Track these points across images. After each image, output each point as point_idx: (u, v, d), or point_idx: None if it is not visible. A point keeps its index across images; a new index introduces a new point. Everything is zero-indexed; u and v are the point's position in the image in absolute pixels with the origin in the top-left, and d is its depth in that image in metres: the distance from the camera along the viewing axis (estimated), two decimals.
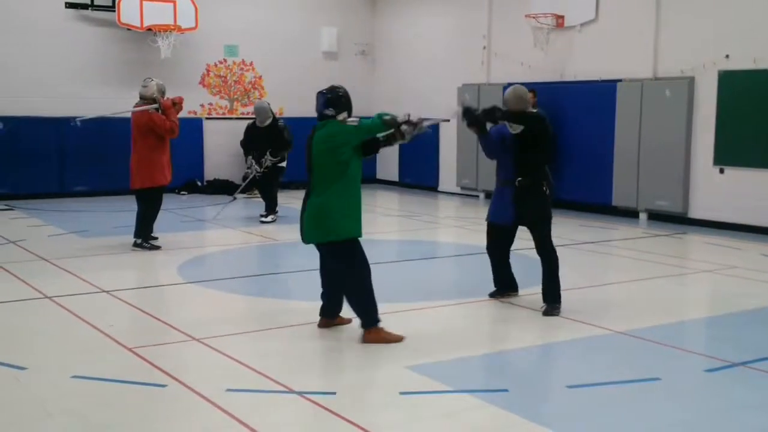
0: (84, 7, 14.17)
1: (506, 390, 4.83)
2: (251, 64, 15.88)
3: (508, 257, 6.96)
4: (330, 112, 5.67)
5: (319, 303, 6.07)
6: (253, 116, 12.15)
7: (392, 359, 5.36)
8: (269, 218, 11.59)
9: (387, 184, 17.00)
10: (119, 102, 14.45)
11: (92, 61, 14.43)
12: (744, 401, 4.73)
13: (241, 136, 12.52)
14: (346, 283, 5.73)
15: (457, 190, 15.40)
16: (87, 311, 6.50)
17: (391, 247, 10.47)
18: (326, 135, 5.62)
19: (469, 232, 11.37)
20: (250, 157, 11.80)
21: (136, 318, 6.40)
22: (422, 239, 10.86)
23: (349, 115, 5.75)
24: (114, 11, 14.00)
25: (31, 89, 13.89)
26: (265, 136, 11.68)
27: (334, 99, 5.70)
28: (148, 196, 9.26)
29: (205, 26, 14.77)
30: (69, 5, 14.05)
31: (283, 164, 11.88)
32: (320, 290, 6.04)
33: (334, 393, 4.70)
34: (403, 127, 5.65)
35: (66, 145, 14.18)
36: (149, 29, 14.15)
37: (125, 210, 12.63)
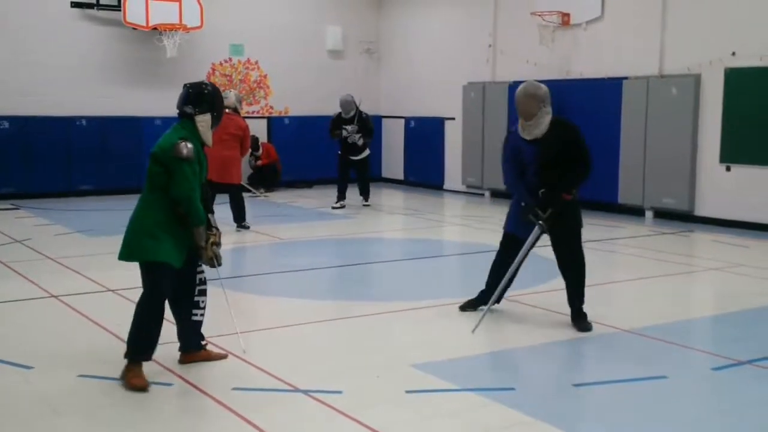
0: (90, 6, 14.18)
1: (513, 388, 4.82)
2: (256, 62, 15.88)
3: (516, 271, 6.31)
4: (189, 109, 4.90)
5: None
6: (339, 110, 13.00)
7: (398, 358, 5.35)
8: (367, 202, 12.87)
9: (392, 182, 16.98)
10: (125, 101, 14.54)
11: (98, 60, 14.43)
12: (751, 399, 4.71)
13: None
14: (138, 306, 4.90)
15: (463, 188, 15.38)
16: (93, 310, 6.51)
17: (396, 245, 10.46)
18: (160, 143, 4.84)
19: (475, 231, 11.36)
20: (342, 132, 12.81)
21: None
22: (428, 237, 10.85)
23: (215, 117, 4.95)
24: (120, 10, 14.00)
25: (36, 88, 13.89)
26: (352, 125, 12.85)
27: (196, 96, 4.91)
28: (236, 190, 10.79)
29: (211, 25, 14.77)
30: (74, 4, 14.06)
31: (367, 153, 12.96)
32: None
33: (341, 392, 4.70)
34: (202, 242, 4.87)
35: (72, 144, 14.18)
36: (155, 28, 14.16)
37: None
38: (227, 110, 10.99)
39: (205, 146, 5.00)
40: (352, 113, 12.80)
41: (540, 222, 5.92)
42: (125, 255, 4.88)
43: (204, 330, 5.28)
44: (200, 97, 4.91)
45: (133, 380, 4.69)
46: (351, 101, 12.86)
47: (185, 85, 5.04)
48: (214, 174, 10.67)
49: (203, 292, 5.18)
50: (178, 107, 4.96)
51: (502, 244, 6.41)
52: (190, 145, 4.75)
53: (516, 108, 5.97)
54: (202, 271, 5.19)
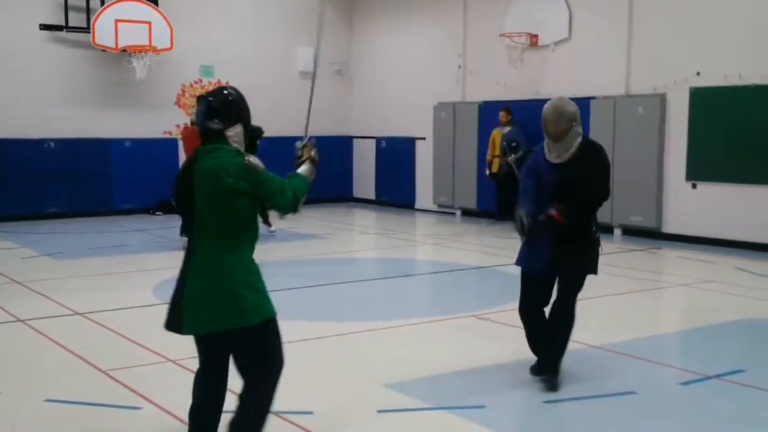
0: (59, 28, 14.11)
1: (483, 406, 4.83)
2: (227, 84, 15.87)
3: (545, 317, 5.38)
4: (215, 124, 3.78)
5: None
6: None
7: (369, 377, 5.35)
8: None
9: (363, 202, 17.00)
10: (95, 123, 14.45)
11: (67, 82, 14.34)
12: (719, 414, 4.77)
13: None
14: (255, 390, 3.91)
15: (434, 207, 15.44)
16: (61, 334, 6.43)
17: (368, 265, 10.46)
18: (221, 171, 3.69)
19: (446, 249, 11.40)
20: None
21: (110, 340, 6.34)
22: (399, 257, 10.87)
23: (246, 127, 3.89)
24: (89, 32, 13.94)
25: (5, 111, 13.75)
26: None
27: (221, 106, 3.83)
28: None
29: (181, 46, 14.74)
30: (43, 27, 13.98)
31: None
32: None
33: (312, 413, 4.68)
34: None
35: (40, 166, 14.04)
36: (124, 50, 14.10)
37: (100, 231, 12.55)
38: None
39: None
40: None
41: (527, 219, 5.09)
42: (218, 322, 3.72)
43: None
44: (227, 106, 3.84)
45: None
46: None
47: (203, 97, 3.93)
48: None
49: None
50: (200, 124, 3.86)
51: (521, 285, 5.35)
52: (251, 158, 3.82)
53: (543, 127, 5.16)
54: None
